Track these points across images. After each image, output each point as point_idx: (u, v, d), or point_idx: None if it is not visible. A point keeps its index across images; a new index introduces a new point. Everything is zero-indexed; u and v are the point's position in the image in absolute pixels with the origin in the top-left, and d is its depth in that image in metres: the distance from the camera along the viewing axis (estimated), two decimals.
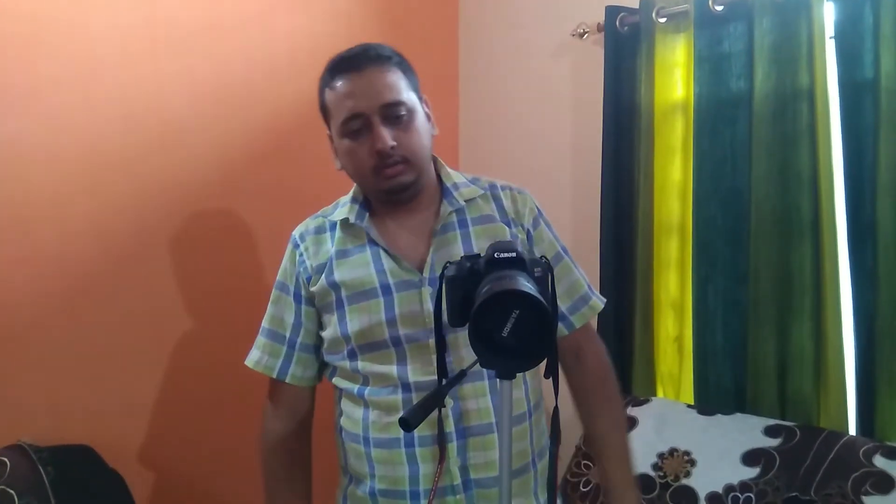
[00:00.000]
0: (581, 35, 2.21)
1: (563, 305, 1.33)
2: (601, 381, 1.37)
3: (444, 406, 1.20)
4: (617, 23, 2.08)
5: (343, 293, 1.27)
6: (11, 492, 1.41)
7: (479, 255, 1.02)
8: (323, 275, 1.30)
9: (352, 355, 1.28)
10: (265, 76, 2.00)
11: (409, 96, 1.26)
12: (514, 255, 0.96)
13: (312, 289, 1.32)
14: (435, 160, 1.36)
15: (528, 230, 1.33)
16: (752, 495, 1.64)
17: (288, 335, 1.35)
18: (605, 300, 1.40)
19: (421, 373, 1.23)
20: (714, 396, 1.94)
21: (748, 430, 1.76)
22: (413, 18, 2.39)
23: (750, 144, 1.85)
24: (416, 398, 1.22)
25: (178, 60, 1.83)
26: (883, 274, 1.64)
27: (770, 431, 1.73)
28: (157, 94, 1.80)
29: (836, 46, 1.72)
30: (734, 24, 1.90)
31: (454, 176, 1.35)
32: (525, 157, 2.42)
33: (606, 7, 2.09)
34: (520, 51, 2.43)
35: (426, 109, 1.31)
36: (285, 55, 2.04)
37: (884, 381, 1.65)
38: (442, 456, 1.19)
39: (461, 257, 1.04)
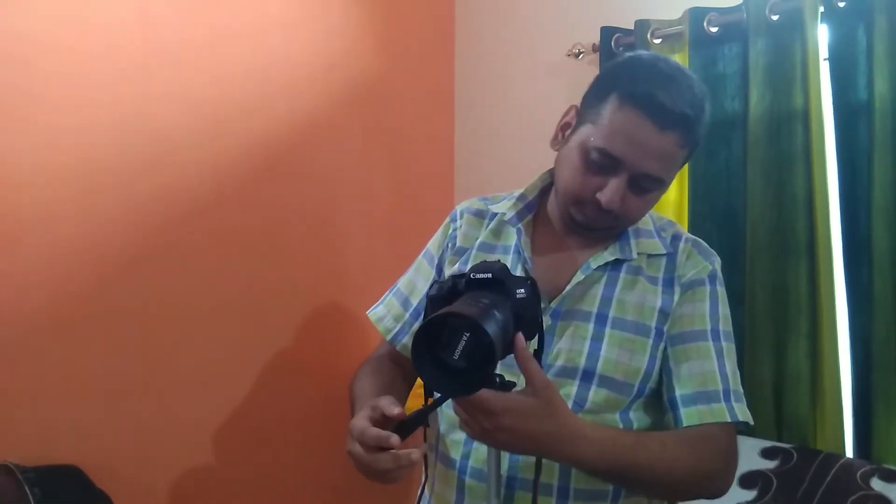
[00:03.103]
0: (577, 55, 2.22)
1: (679, 391, 1.09)
2: None
3: (429, 425, 1.13)
4: (612, 43, 2.09)
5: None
6: None
7: (464, 273, 0.99)
8: (460, 260, 1.25)
9: None
10: (260, 93, 2.00)
11: (670, 176, 1.13)
12: (489, 275, 0.95)
13: (446, 269, 1.26)
14: None
15: (678, 292, 1.15)
16: None
17: (416, 303, 1.29)
18: (744, 418, 1.09)
19: None
20: None
21: (745, 452, 1.73)
22: (409, 37, 2.40)
23: (745, 165, 1.85)
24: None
25: (172, 78, 1.82)
26: (878, 294, 1.65)
27: (767, 453, 1.72)
28: (150, 111, 1.78)
29: (831, 68, 1.74)
30: (729, 46, 1.91)
31: (642, 220, 1.19)
32: (520, 177, 2.40)
33: (602, 28, 2.10)
34: (515, 70, 2.43)
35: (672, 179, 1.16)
36: (281, 72, 2.04)
37: (880, 402, 1.65)
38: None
39: (451, 276, 1.01)
